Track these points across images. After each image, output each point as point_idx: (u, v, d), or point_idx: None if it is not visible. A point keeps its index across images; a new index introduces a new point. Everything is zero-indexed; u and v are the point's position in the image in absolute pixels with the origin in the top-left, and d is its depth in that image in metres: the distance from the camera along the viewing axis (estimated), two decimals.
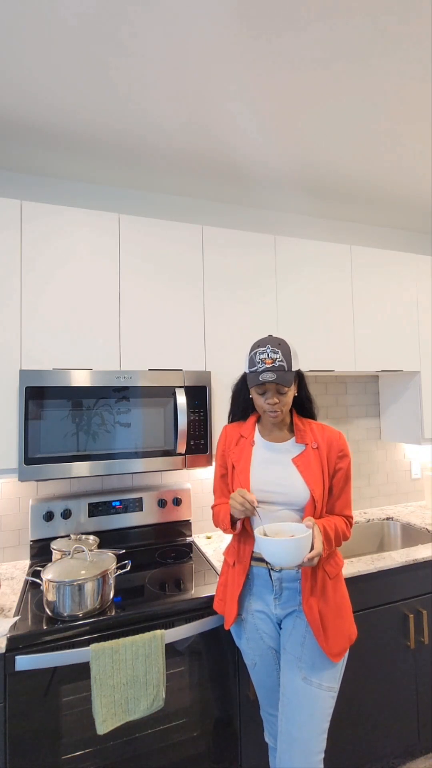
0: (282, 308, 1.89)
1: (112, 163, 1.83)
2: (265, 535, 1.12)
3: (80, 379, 1.50)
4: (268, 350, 1.18)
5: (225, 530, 1.26)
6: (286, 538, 1.04)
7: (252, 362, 1.20)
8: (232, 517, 1.23)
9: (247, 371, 1.23)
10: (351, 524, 1.27)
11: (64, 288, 1.56)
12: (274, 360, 1.16)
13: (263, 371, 1.16)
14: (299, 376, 1.29)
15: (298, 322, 1.91)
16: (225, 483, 1.34)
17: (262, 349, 1.19)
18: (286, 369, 1.17)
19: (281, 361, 1.17)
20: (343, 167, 1.92)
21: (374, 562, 1.61)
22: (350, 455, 1.28)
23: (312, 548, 1.08)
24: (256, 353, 1.20)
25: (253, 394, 1.24)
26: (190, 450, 1.62)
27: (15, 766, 1.16)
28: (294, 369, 1.20)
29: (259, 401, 1.23)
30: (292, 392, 1.23)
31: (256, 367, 1.18)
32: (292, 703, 1.13)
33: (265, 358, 1.17)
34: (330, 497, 1.25)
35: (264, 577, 1.22)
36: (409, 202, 2.28)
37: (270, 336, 1.24)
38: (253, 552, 1.24)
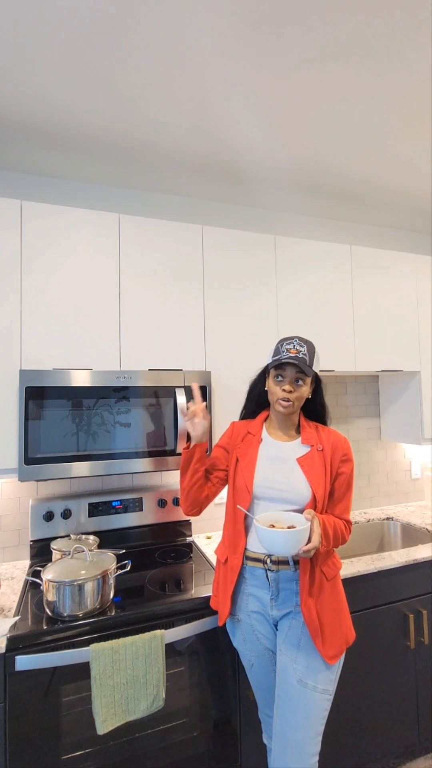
0: (282, 308, 1.89)
1: (112, 163, 1.83)
2: (272, 526, 1.13)
3: (80, 379, 1.50)
4: (295, 342, 1.25)
5: (183, 457, 1.30)
6: (284, 530, 1.06)
7: (277, 351, 1.27)
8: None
9: (270, 360, 1.28)
10: (350, 529, 1.28)
11: (64, 288, 1.56)
12: (299, 351, 1.23)
13: (287, 357, 1.21)
14: (317, 381, 1.32)
15: (298, 322, 1.91)
16: (213, 458, 1.37)
17: (289, 340, 1.26)
18: (308, 363, 1.23)
19: (305, 354, 1.23)
20: (343, 167, 1.92)
21: (374, 562, 1.61)
22: (354, 461, 1.30)
23: (309, 541, 1.09)
24: (282, 344, 1.27)
25: (270, 382, 1.27)
26: None
27: (15, 766, 1.16)
28: (314, 368, 1.25)
29: (274, 388, 1.26)
30: (307, 388, 1.26)
31: (279, 355, 1.24)
32: (287, 705, 1.13)
33: (290, 348, 1.24)
34: (331, 501, 1.25)
35: (261, 577, 1.22)
36: (409, 202, 2.28)
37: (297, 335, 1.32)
38: (246, 549, 1.24)
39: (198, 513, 1.32)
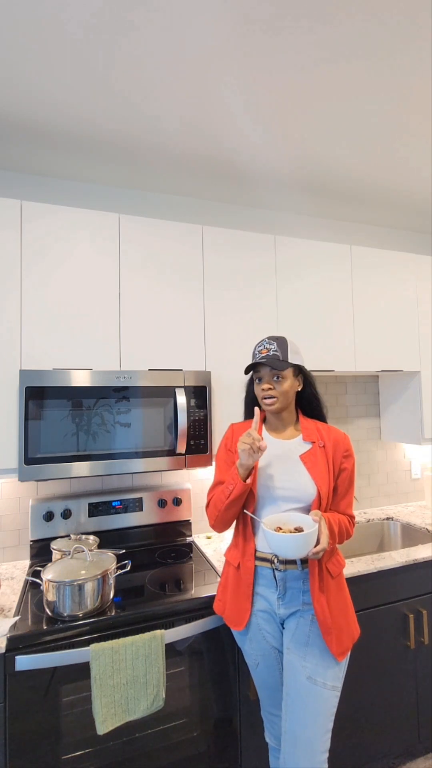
0: (282, 308, 1.89)
1: (112, 163, 1.83)
2: (279, 529, 1.13)
3: (80, 379, 1.50)
4: (265, 343, 1.28)
5: (229, 497, 1.18)
6: (293, 534, 1.06)
7: (253, 356, 1.30)
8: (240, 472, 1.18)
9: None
10: (353, 524, 1.29)
11: (64, 288, 1.56)
12: (268, 350, 1.26)
13: (257, 359, 1.25)
14: (302, 373, 1.32)
15: (298, 322, 1.91)
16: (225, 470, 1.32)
17: (260, 342, 1.30)
18: (280, 358, 1.24)
19: (275, 351, 1.25)
20: (343, 167, 1.92)
21: (374, 562, 1.61)
22: (355, 456, 1.31)
23: (318, 542, 1.10)
24: (255, 347, 1.30)
25: (254, 386, 1.31)
26: (190, 450, 1.62)
27: (15, 766, 1.16)
28: (291, 361, 1.25)
29: (257, 390, 1.29)
30: (289, 382, 1.26)
31: (254, 359, 1.28)
32: (296, 702, 1.13)
33: (261, 349, 1.28)
34: (335, 497, 1.27)
35: (268, 576, 1.22)
36: (409, 202, 2.28)
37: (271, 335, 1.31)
38: (256, 551, 1.24)
39: (227, 529, 1.34)
